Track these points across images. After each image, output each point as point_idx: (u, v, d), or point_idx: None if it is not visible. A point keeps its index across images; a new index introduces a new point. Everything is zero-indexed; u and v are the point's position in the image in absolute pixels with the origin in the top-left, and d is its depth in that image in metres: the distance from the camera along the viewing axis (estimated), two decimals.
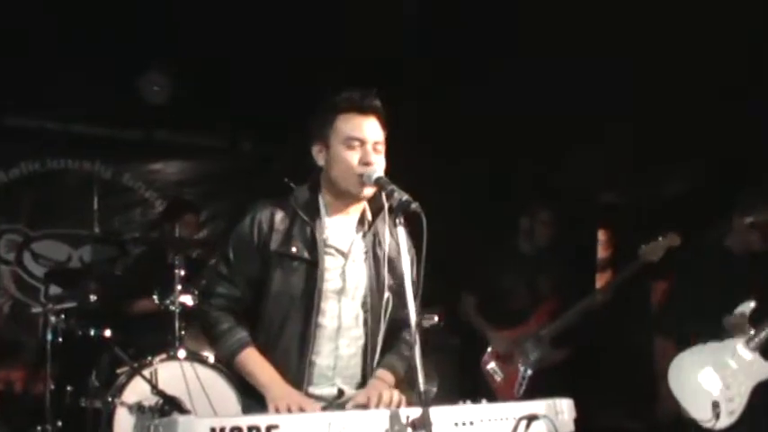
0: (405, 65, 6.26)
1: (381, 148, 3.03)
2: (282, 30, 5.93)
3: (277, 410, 2.85)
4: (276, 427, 2.45)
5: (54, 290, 6.38)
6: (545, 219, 5.92)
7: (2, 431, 5.74)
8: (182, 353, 4.97)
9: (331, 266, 3.04)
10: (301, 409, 2.82)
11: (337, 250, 3.06)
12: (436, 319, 5.69)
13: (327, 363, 3.04)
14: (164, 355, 4.94)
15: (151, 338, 5.24)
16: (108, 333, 5.42)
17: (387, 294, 3.07)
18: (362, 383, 3.10)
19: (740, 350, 4.77)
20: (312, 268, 3.00)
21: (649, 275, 5.84)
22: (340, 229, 3.09)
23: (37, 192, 6.88)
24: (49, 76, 6.28)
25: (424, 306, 5.37)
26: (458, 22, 5.78)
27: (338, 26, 5.86)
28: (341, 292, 3.05)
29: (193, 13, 5.81)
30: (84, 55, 6.14)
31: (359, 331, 3.08)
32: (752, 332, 4.79)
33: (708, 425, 4.55)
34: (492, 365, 5.70)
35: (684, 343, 4.79)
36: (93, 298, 5.68)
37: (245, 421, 2.45)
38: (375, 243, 3.11)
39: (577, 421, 2.97)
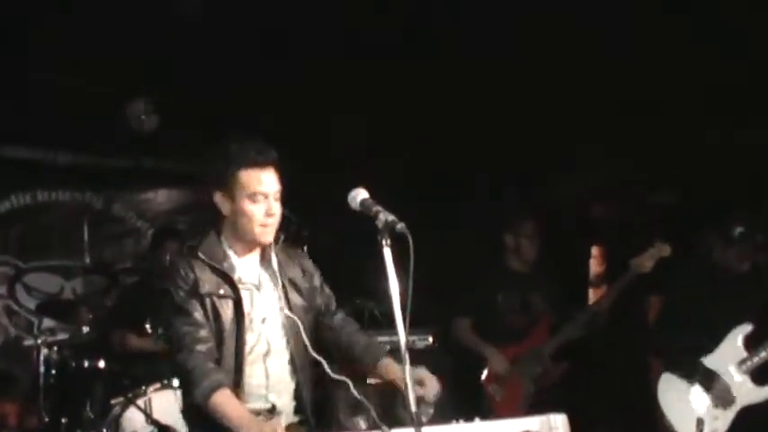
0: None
1: (279, 195, 3.33)
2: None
3: None
4: None
5: (47, 322, 6.34)
6: (528, 232, 5.88)
7: None
8: (175, 381, 4.93)
9: (248, 299, 3.34)
10: None
11: (251, 284, 3.37)
12: (430, 340, 5.67)
13: (259, 382, 3.31)
14: (158, 385, 4.91)
15: (145, 368, 5.22)
16: (101, 364, 5.41)
17: (296, 315, 3.36)
18: (295, 395, 3.39)
19: (731, 371, 4.80)
20: (236, 304, 3.30)
21: (645, 290, 5.85)
22: (247, 266, 3.40)
23: (27, 224, 6.86)
24: (36, 106, 6.28)
25: (419, 326, 5.38)
26: None
27: None
28: (262, 321, 3.34)
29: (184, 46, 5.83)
30: (70, 83, 6.14)
31: (285, 351, 3.38)
32: (744, 355, 4.81)
33: None
34: (492, 386, 5.64)
35: (674, 359, 4.81)
36: (85, 329, 5.66)
37: None
38: (279, 271, 3.40)
39: None
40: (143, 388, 4.90)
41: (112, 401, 4.99)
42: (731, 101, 5.84)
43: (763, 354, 4.81)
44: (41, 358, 5.44)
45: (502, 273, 5.92)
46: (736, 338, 4.86)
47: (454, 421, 2.88)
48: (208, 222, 7.23)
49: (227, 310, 3.27)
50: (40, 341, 5.48)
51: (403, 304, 2.70)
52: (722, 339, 4.87)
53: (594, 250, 7.57)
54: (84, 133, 6.62)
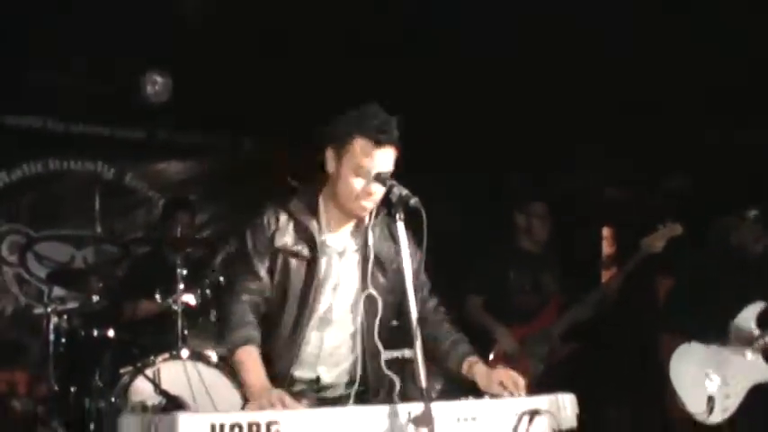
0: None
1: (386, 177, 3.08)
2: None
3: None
4: (276, 423, 2.44)
5: (57, 291, 6.36)
6: (540, 212, 5.88)
7: None
8: (184, 352, 4.94)
9: (327, 265, 3.22)
10: (282, 403, 2.82)
11: (334, 250, 3.24)
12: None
13: (312, 350, 3.24)
14: (166, 355, 4.91)
15: (154, 338, 5.23)
16: (111, 333, 5.42)
17: (375, 292, 3.23)
18: (350, 369, 3.28)
19: (744, 350, 4.78)
20: (310, 266, 3.19)
21: (656, 272, 5.83)
22: (337, 230, 3.26)
23: (39, 193, 6.86)
24: (50, 75, 6.28)
25: None
26: None
27: None
28: (334, 289, 3.24)
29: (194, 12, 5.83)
30: (86, 54, 6.13)
31: (347, 325, 3.26)
32: (757, 334, 4.79)
33: (699, 418, 4.57)
34: (500, 365, 5.63)
35: (687, 339, 4.80)
36: (96, 298, 5.68)
37: (246, 417, 2.44)
38: (366, 244, 3.25)
39: (585, 416, 2.96)
40: (152, 358, 4.90)
41: (121, 371, 4.99)
42: (731, 101, 5.82)
43: None
44: (51, 327, 5.44)
45: (513, 253, 5.92)
46: (749, 317, 4.83)
47: (464, 398, 2.87)
48: (220, 194, 7.34)
49: (299, 271, 3.18)
50: (50, 309, 5.48)
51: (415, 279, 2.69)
52: (734, 320, 4.84)
53: (605, 232, 7.56)
54: (97, 103, 6.62)
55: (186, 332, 5.12)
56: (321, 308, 3.22)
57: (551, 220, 5.90)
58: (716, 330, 4.82)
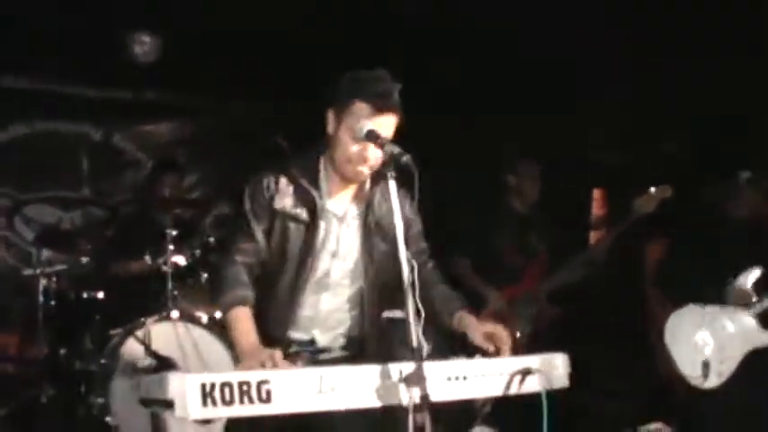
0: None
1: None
2: None
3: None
4: (266, 382, 2.43)
5: (46, 253, 6.33)
6: (531, 172, 5.86)
7: None
8: (175, 313, 4.94)
9: (326, 229, 3.22)
10: (273, 362, 2.82)
11: (333, 215, 3.23)
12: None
13: (308, 314, 3.26)
14: (156, 316, 4.91)
15: (144, 300, 5.22)
16: (101, 295, 5.41)
17: (376, 259, 3.25)
18: (347, 332, 3.33)
19: (741, 315, 4.75)
20: (309, 230, 3.18)
21: (645, 235, 5.83)
22: (338, 195, 3.25)
23: (26, 155, 6.80)
24: (36, 36, 6.19)
25: None
26: None
27: None
28: (333, 254, 3.24)
29: None
30: (71, 13, 6.05)
31: (344, 290, 3.29)
32: (755, 299, 4.77)
33: (695, 382, 4.56)
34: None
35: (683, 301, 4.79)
36: (84, 260, 5.65)
37: (236, 377, 2.43)
38: (368, 210, 3.25)
39: (573, 378, 2.96)
40: (142, 319, 4.89)
41: (111, 332, 4.99)
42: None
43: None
44: (40, 289, 5.44)
45: (502, 213, 5.90)
46: (746, 282, 4.81)
47: (455, 357, 2.87)
48: (209, 154, 7.28)
49: (297, 234, 3.17)
50: (38, 271, 5.47)
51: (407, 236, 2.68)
52: (731, 284, 4.83)
53: (596, 193, 7.55)
54: (84, 64, 6.54)
55: (176, 293, 5.12)
56: (319, 272, 3.23)
57: (540, 181, 5.88)
58: (713, 293, 4.81)
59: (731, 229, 5.00)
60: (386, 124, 3.03)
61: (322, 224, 3.19)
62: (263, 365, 2.71)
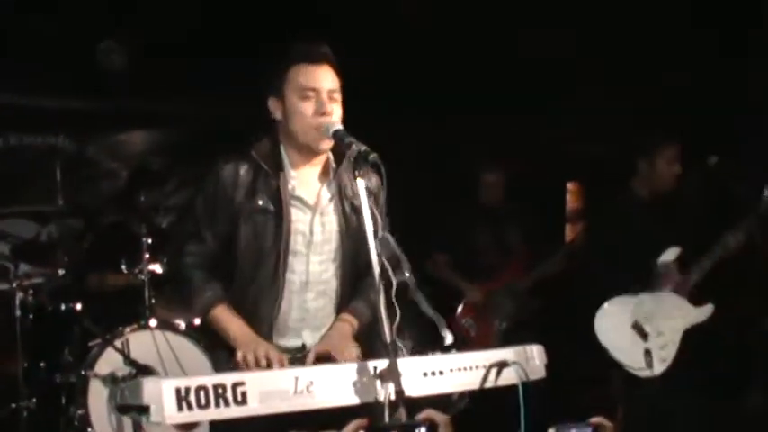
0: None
1: (338, 96, 3.03)
2: None
3: (244, 359, 2.89)
4: (242, 383, 2.42)
5: (23, 267, 6.28)
6: (498, 172, 5.89)
7: None
8: (153, 322, 4.95)
9: (298, 219, 3.06)
10: (267, 358, 2.82)
11: (303, 202, 3.08)
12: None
13: (295, 315, 3.11)
14: (135, 325, 4.92)
15: (122, 309, 5.21)
16: (78, 307, 5.39)
17: (355, 242, 3.08)
18: None
19: (669, 297, 4.74)
20: (279, 221, 3.02)
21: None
22: (305, 181, 3.10)
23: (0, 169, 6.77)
24: (5, 48, 6.16)
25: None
26: None
27: None
28: (308, 246, 3.08)
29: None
30: (41, 23, 6.03)
31: (328, 284, 3.14)
32: (679, 278, 4.76)
33: (642, 374, 4.54)
34: (466, 320, 5.70)
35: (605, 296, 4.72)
36: (61, 272, 5.63)
37: (211, 380, 2.42)
38: (341, 192, 3.12)
39: (551, 371, 2.96)
40: (120, 329, 4.89)
41: (90, 343, 4.98)
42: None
43: (695, 275, 4.76)
44: (17, 303, 5.40)
45: (477, 209, 5.93)
46: (668, 262, 4.77)
47: (430, 353, 2.87)
48: (185, 163, 7.25)
49: (267, 228, 3.01)
50: (15, 285, 5.43)
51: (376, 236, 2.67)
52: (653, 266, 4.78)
53: (571, 186, 7.58)
54: (53, 76, 6.51)
55: (154, 301, 5.11)
56: (299, 267, 3.07)
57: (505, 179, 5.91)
58: (636, 279, 4.76)
59: (643, 211, 4.92)
60: (324, 76, 3.00)
61: (294, 212, 3.04)
62: (257, 362, 2.76)
